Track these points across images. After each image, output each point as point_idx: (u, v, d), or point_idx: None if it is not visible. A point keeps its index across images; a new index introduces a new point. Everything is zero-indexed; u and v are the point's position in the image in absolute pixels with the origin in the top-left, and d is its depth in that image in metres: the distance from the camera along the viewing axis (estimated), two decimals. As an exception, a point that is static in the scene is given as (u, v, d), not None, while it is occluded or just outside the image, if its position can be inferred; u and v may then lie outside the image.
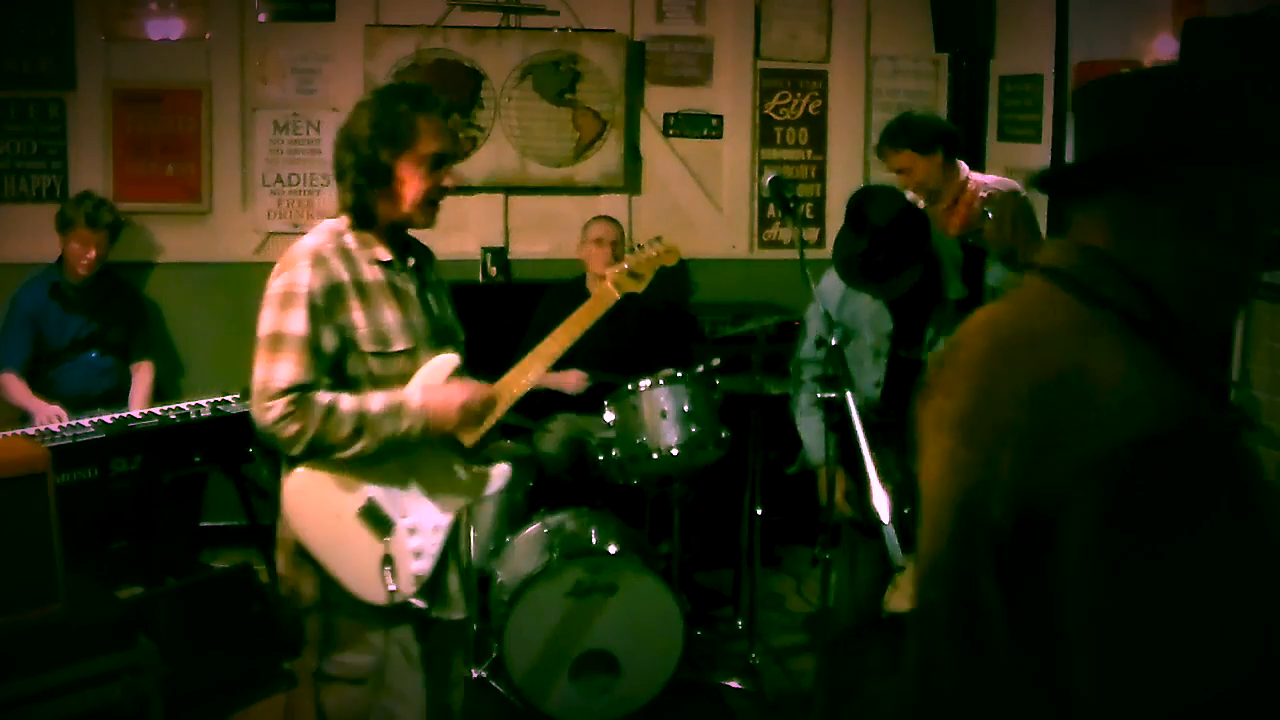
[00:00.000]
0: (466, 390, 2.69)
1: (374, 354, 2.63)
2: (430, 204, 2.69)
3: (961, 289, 3.20)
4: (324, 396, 2.56)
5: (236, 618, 4.17)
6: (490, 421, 2.77)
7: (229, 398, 4.69)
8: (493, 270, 5.69)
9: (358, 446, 2.58)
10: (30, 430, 4.23)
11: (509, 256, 5.75)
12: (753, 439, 4.34)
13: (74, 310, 4.83)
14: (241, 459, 4.56)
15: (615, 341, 4.72)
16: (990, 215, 4.12)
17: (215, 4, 5.43)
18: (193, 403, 4.59)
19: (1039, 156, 5.33)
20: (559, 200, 5.80)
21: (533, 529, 4.20)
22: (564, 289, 5.08)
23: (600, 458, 4.23)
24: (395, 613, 2.68)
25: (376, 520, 2.65)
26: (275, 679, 4.23)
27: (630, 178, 5.86)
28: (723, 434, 4.14)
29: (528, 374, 2.88)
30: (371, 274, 2.66)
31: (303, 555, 2.70)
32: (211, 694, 4.00)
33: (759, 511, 4.34)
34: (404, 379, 2.67)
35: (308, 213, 5.60)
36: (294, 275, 2.57)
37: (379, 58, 5.49)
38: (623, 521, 4.28)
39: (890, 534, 2.52)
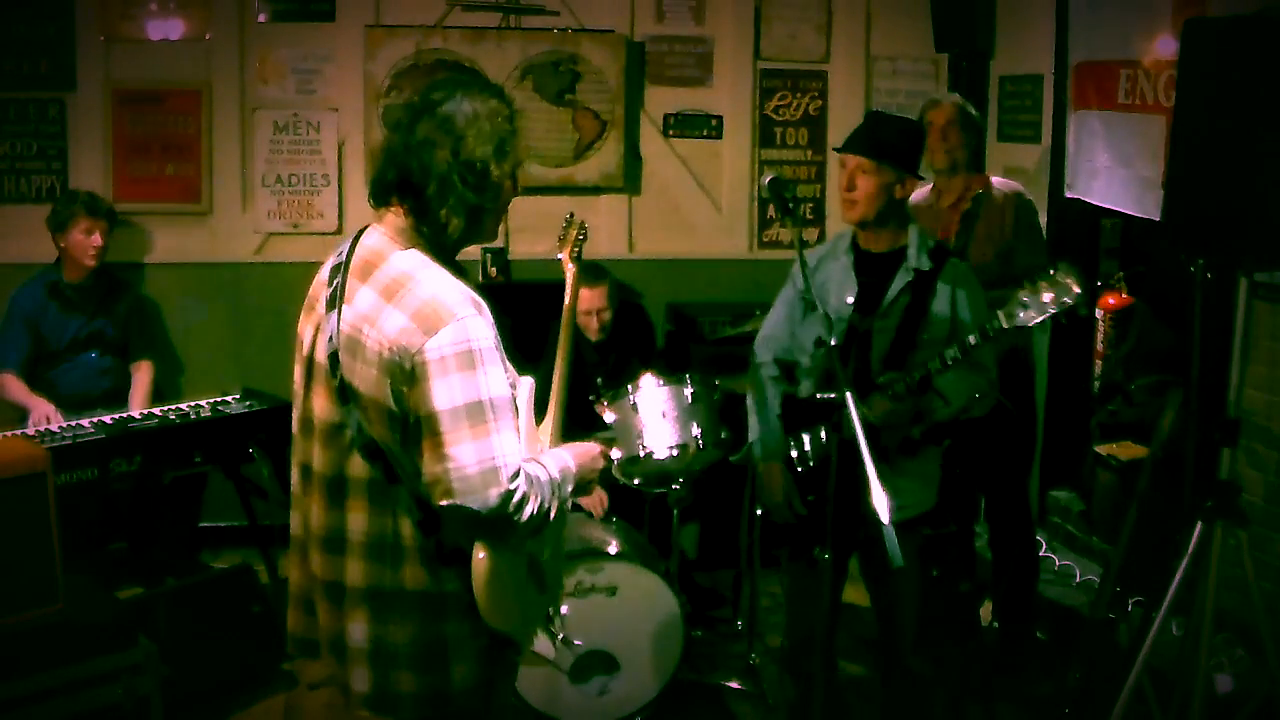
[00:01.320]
0: (601, 450, 2.48)
1: (513, 394, 2.26)
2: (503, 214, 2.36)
3: (928, 262, 3.24)
4: (530, 466, 2.20)
5: (236, 618, 4.18)
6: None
7: (229, 398, 4.70)
8: (492, 271, 5.69)
9: (550, 518, 2.23)
10: (30, 430, 4.23)
11: (509, 257, 5.75)
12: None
13: (73, 310, 4.83)
14: (241, 459, 4.57)
15: (588, 353, 4.72)
16: (979, 209, 4.12)
17: (215, 4, 5.43)
18: (193, 403, 4.60)
19: (1039, 157, 5.34)
20: (559, 200, 5.79)
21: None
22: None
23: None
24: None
25: (537, 574, 2.38)
26: (275, 679, 4.23)
27: (630, 178, 5.86)
28: (723, 434, 4.14)
29: (560, 395, 2.74)
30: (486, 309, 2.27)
31: (441, 651, 2.27)
32: (211, 694, 4.00)
33: (759, 511, 4.34)
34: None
35: (307, 213, 5.61)
36: (466, 330, 2.11)
37: (379, 58, 5.49)
38: (623, 522, 4.28)
39: (890, 534, 2.52)
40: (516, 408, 2.24)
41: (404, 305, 2.13)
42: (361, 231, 2.30)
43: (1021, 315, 2.90)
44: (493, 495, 2.09)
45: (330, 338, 2.21)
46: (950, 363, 3.02)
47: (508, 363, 2.27)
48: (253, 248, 5.60)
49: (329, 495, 2.26)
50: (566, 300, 2.95)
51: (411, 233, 2.24)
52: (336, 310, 2.21)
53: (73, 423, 4.28)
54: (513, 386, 2.25)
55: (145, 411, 4.52)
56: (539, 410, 2.56)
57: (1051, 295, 2.88)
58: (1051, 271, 2.90)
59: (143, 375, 4.99)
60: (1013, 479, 4.38)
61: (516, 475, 2.12)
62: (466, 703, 2.30)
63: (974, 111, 4.41)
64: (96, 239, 4.79)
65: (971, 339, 3.01)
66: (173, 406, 4.55)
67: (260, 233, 5.60)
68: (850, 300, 3.30)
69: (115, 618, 3.36)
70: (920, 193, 4.44)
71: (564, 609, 2.55)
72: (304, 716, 4.05)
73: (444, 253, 2.26)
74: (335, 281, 2.25)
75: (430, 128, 2.18)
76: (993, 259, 4.15)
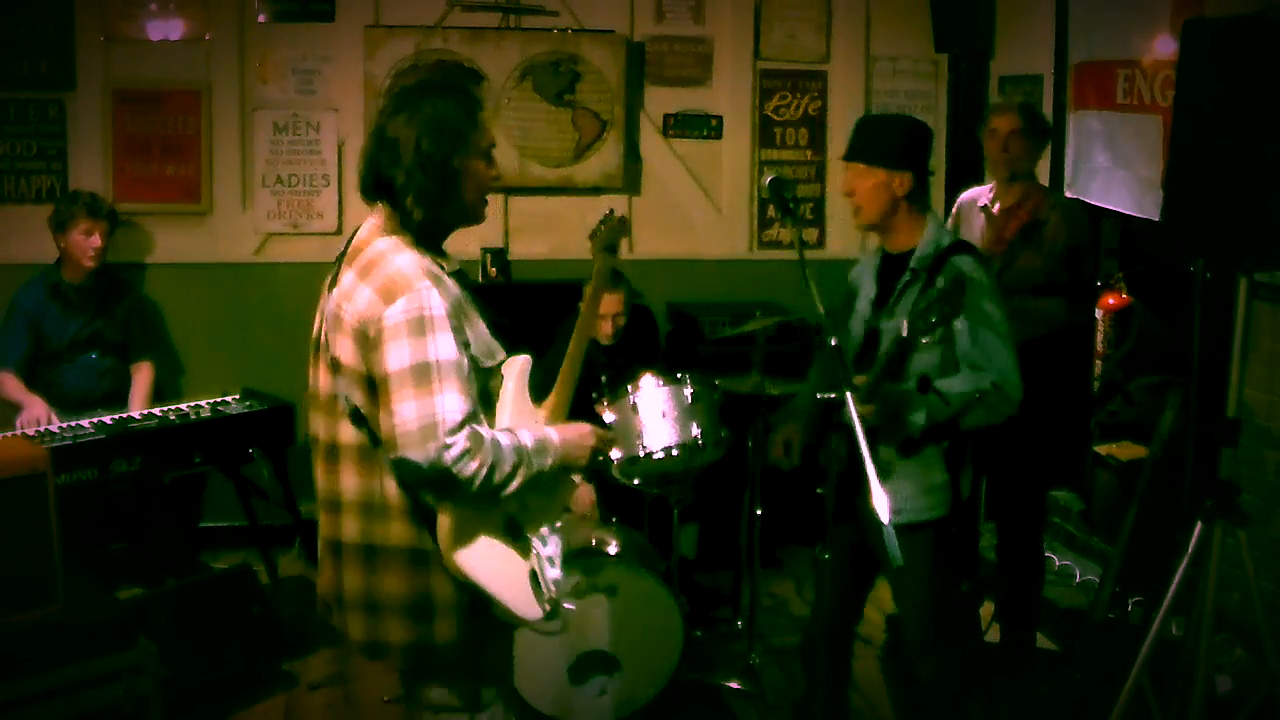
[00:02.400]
0: (594, 432, 2.62)
1: (488, 369, 2.47)
2: (487, 194, 2.54)
3: (930, 261, 3.23)
4: (485, 430, 2.34)
5: (236, 618, 4.17)
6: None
7: (229, 398, 4.70)
8: (492, 271, 5.69)
9: (515, 484, 2.37)
10: (30, 431, 4.23)
11: (509, 257, 5.75)
12: (753, 439, 4.34)
13: (74, 311, 4.83)
14: (241, 459, 4.57)
15: (596, 355, 4.72)
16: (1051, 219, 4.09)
17: (215, 4, 5.43)
18: (193, 403, 4.60)
19: (1039, 157, 5.33)
20: (559, 201, 5.80)
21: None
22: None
23: (600, 458, 4.22)
24: (547, 618, 2.55)
25: (518, 538, 2.49)
26: (275, 679, 4.23)
27: (630, 178, 5.86)
28: (722, 434, 4.14)
29: (570, 385, 2.79)
30: (455, 287, 2.47)
31: (427, 605, 2.43)
32: (211, 694, 4.00)
33: (759, 512, 4.34)
34: (497, 391, 2.53)
35: (307, 213, 5.61)
36: (420, 298, 2.30)
37: (379, 58, 5.49)
38: (623, 522, 4.29)
39: (890, 534, 2.52)
40: (475, 377, 2.39)
41: (372, 281, 2.35)
42: (360, 226, 2.55)
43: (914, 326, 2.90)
44: (431, 449, 2.24)
45: (323, 316, 2.47)
46: (886, 363, 2.99)
47: (495, 342, 2.51)
48: (253, 248, 5.60)
49: (327, 460, 2.48)
50: (591, 290, 2.94)
51: (391, 222, 2.45)
52: (328, 292, 2.46)
53: (73, 423, 4.28)
54: (486, 360, 2.45)
55: (145, 412, 4.52)
56: (541, 393, 2.71)
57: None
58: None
59: (143, 376, 4.99)
60: (1026, 483, 4.36)
61: (456, 430, 2.26)
62: (451, 656, 2.47)
63: (1043, 118, 4.34)
64: (96, 240, 4.79)
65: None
66: (173, 407, 4.55)
67: (260, 233, 5.60)
68: (869, 300, 3.33)
69: (115, 618, 3.36)
70: (980, 191, 4.43)
71: (555, 574, 2.57)
72: (304, 716, 4.06)
73: (426, 238, 2.46)
74: (334, 268, 2.49)
75: (396, 128, 2.39)
76: (1041, 265, 4.11)
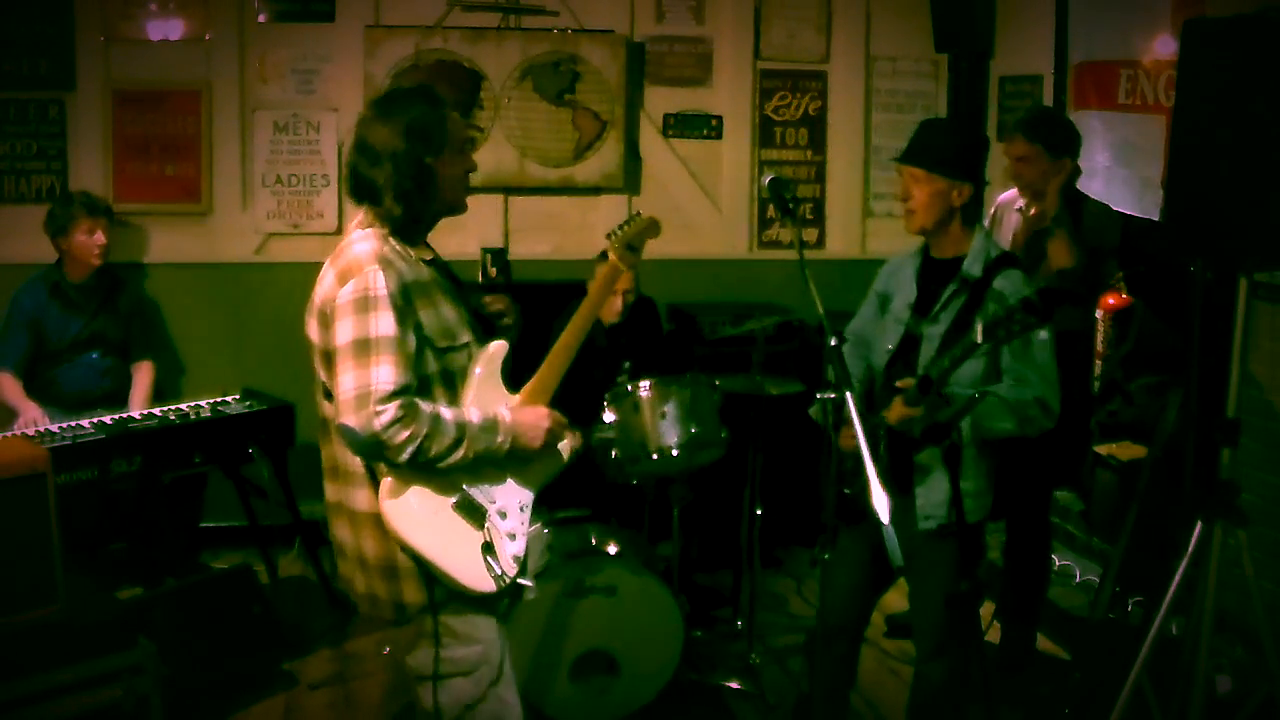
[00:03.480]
0: (552, 415, 2.77)
1: (444, 350, 2.66)
2: (466, 185, 2.76)
3: (980, 270, 3.22)
4: (426, 405, 2.54)
5: (236, 618, 4.18)
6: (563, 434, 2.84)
7: (229, 398, 4.70)
8: (492, 271, 5.69)
9: (455, 457, 2.57)
10: (30, 431, 4.23)
11: (509, 257, 5.75)
12: (753, 439, 4.34)
13: (74, 310, 4.83)
14: (241, 459, 4.57)
15: (598, 337, 4.75)
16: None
17: (215, 4, 5.43)
18: (193, 403, 4.60)
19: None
20: (559, 200, 5.80)
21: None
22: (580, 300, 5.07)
23: (600, 458, 4.23)
24: (498, 597, 2.71)
25: (471, 510, 2.66)
26: (275, 679, 4.23)
27: (630, 178, 5.86)
28: (722, 434, 4.14)
29: (555, 372, 2.86)
30: (424, 272, 2.68)
31: (394, 566, 2.66)
32: (211, 694, 4.00)
33: (759, 512, 4.34)
34: (464, 373, 2.71)
35: (307, 213, 5.61)
36: (366, 280, 2.52)
37: (379, 58, 5.49)
38: (622, 522, 4.29)
39: (890, 534, 2.52)
40: (432, 356, 2.61)
41: (335, 266, 2.61)
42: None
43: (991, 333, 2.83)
44: (363, 416, 2.45)
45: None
46: (950, 365, 2.98)
47: (462, 326, 2.71)
48: (253, 248, 5.60)
49: (321, 434, 2.76)
50: (597, 286, 2.98)
51: (370, 217, 2.69)
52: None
53: (73, 423, 4.28)
54: (442, 341, 2.64)
55: (145, 412, 4.52)
56: (523, 380, 2.85)
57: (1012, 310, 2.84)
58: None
59: (143, 376, 4.99)
60: (1035, 486, 4.36)
61: (387, 400, 2.45)
62: (419, 616, 2.69)
63: (1059, 123, 4.27)
64: (100, 237, 4.79)
65: (958, 350, 2.91)
66: (173, 407, 4.55)
67: (260, 233, 5.60)
68: (908, 304, 3.30)
69: (115, 618, 3.37)
70: (1012, 194, 4.42)
71: (516, 549, 2.71)
72: (304, 716, 4.06)
73: (406, 231, 2.69)
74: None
75: (373, 134, 2.65)
76: (1076, 265, 4.09)
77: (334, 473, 2.72)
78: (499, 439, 2.65)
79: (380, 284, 2.52)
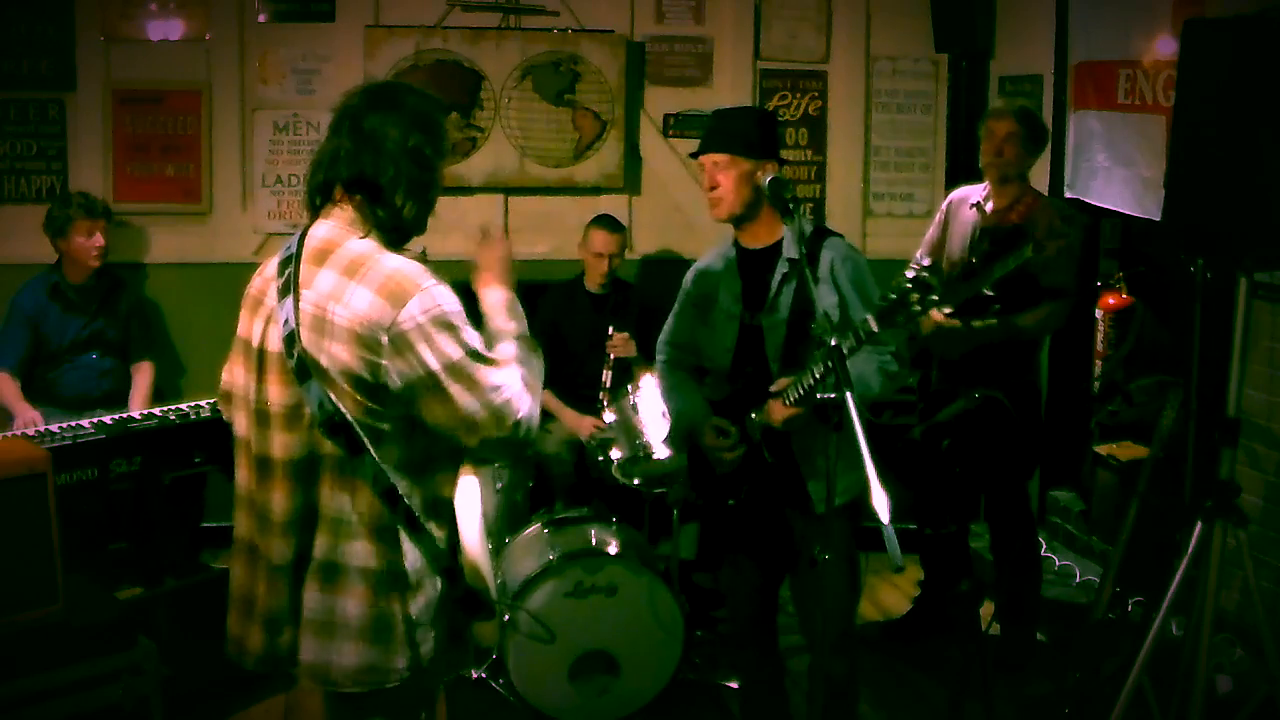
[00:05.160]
0: (503, 294, 2.63)
1: None
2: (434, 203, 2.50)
3: (801, 249, 3.11)
4: (508, 373, 2.37)
5: (236, 618, 4.17)
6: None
7: (229, 398, 4.69)
8: (492, 270, 5.67)
9: (535, 365, 2.46)
10: (30, 431, 4.23)
11: (509, 257, 5.74)
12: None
13: (74, 311, 4.83)
14: (241, 459, 4.56)
15: (580, 299, 4.80)
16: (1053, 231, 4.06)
17: (215, 4, 5.43)
18: (193, 403, 4.60)
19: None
20: (558, 200, 5.80)
21: (532, 529, 4.20)
22: (563, 289, 5.10)
23: (600, 458, 4.23)
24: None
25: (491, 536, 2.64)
26: (275, 679, 4.22)
27: (630, 178, 5.86)
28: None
29: None
30: None
31: (390, 624, 2.36)
32: (211, 694, 4.00)
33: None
34: None
35: (307, 214, 5.60)
36: (434, 295, 2.26)
37: (379, 58, 5.49)
38: (622, 522, 4.29)
39: (890, 534, 2.52)
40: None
41: (369, 281, 2.26)
42: (307, 228, 2.41)
43: (893, 318, 2.75)
44: (508, 426, 2.29)
45: (285, 321, 2.31)
46: (828, 366, 2.85)
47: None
48: (253, 248, 5.60)
49: (298, 477, 2.34)
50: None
51: (364, 223, 2.36)
52: (292, 295, 2.31)
53: (73, 423, 4.27)
54: None
55: (145, 412, 4.52)
56: None
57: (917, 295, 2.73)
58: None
59: (143, 376, 4.99)
60: (1012, 480, 4.38)
61: (513, 402, 2.29)
62: (405, 687, 2.41)
63: (1041, 124, 4.32)
64: (98, 239, 4.79)
65: (847, 343, 2.84)
66: (173, 407, 4.54)
67: (260, 233, 5.60)
68: (735, 299, 3.29)
69: (115, 618, 3.36)
70: (973, 190, 4.42)
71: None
72: (304, 716, 4.05)
73: (396, 240, 2.39)
74: (287, 271, 2.35)
75: (376, 123, 2.33)
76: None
77: (325, 521, 2.33)
78: (508, 320, 2.52)
79: (448, 298, 2.28)
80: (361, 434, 2.26)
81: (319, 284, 2.30)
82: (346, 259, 2.30)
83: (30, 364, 4.76)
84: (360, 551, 2.32)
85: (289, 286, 2.32)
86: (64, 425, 4.25)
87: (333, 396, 2.26)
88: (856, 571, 3.36)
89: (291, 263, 2.35)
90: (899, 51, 6.00)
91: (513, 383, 2.34)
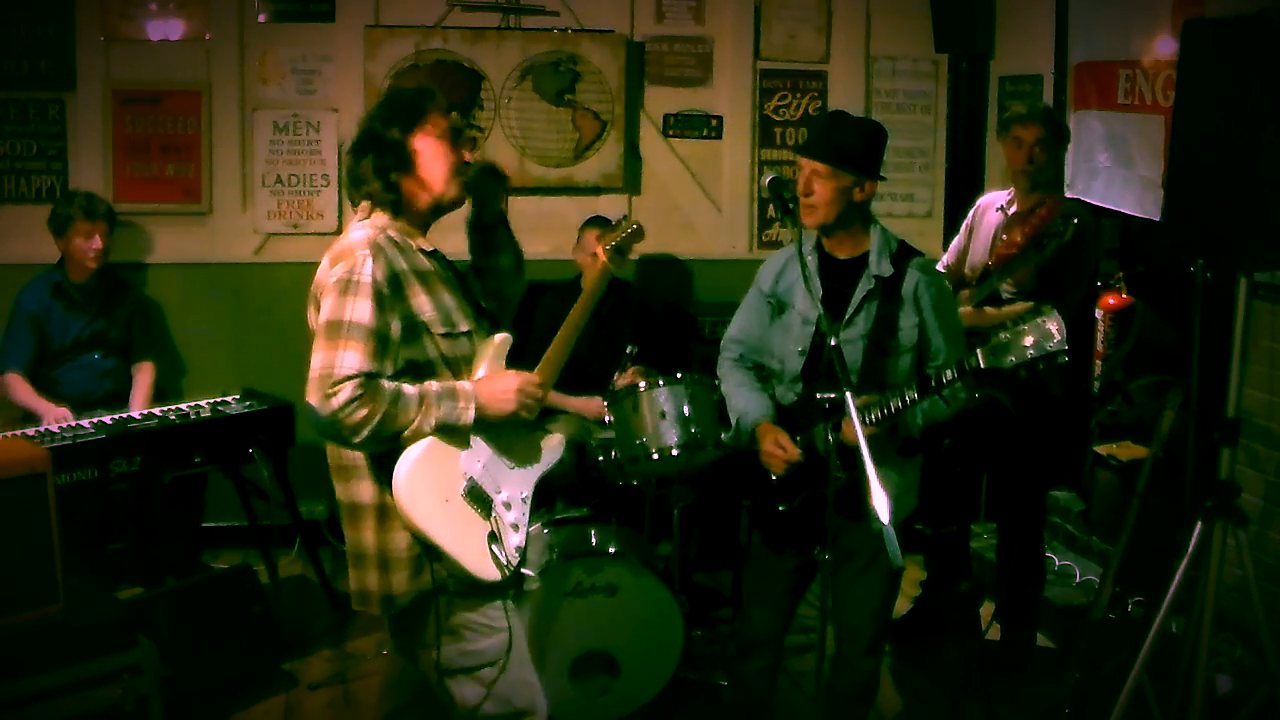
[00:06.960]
0: (518, 377, 2.75)
1: (444, 335, 2.67)
2: (458, 176, 2.75)
3: (889, 268, 3.17)
4: (389, 383, 2.55)
5: (236, 618, 4.18)
6: (542, 402, 2.84)
7: (229, 398, 4.70)
8: (492, 270, 5.68)
9: (415, 425, 2.56)
10: (30, 431, 4.23)
11: (509, 257, 5.74)
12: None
13: (77, 311, 4.83)
14: (241, 459, 4.57)
15: (613, 341, 4.74)
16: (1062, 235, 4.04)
17: (215, 4, 5.43)
18: (193, 403, 4.60)
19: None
20: (559, 200, 5.80)
21: (533, 529, 4.19)
22: (562, 289, 5.10)
23: (600, 458, 4.23)
24: (506, 587, 2.73)
25: (479, 499, 2.69)
26: (275, 679, 4.23)
27: (630, 178, 5.86)
28: (722, 435, 4.14)
29: (554, 365, 2.91)
30: (423, 262, 2.71)
31: (388, 558, 2.68)
32: (211, 694, 4.00)
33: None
34: (469, 360, 2.73)
35: (307, 213, 5.61)
36: (354, 263, 2.56)
37: (379, 58, 5.49)
38: (622, 522, 4.29)
39: (890, 535, 2.52)
40: (429, 341, 2.65)
41: (331, 253, 2.66)
42: None
43: (1002, 358, 2.81)
44: (320, 397, 2.47)
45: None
46: (920, 395, 2.96)
47: (462, 313, 2.73)
48: (253, 248, 5.60)
49: None
50: (591, 287, 3.09)
51: (370, 208, 2.75)
52: None
53: (73, 423, 4.28)
54: (438, 327, 2.66)
55: (145, 412, 4.52)
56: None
57: (1033, 339, 2.79)
58: (1038, 315, 2.80)
59: (144, 376, 4.98)
60: (1024, 482, 4.36)
61: (343, 381, 2.46)
62: (408, 607, 2.71)
63: (1062, 122, 4.28)
64: (97, 242, 4.78)
65: (947, 374, 2.91)
66: (173, 407, 4.55)
67: (260, 233, 5.60)
68: (817, 305, 3.21)
69: (115, 618, 3.36)
70: (999, 195, 4.40)
71: (518, 540, 2.76)
72: (304, 716, 4.06)
73: (404, 213, 2.73)
74: None
75: (362, 134, 2.74)
76: (1030, 280, 4.09)
77: (339, 470, 2.72)
78: (460, 404, 2.63)
79: (367, 270, 2.54)
80: None
81: (322, 263, 2.70)
82: (340, 239, 2.71)
83: (36, 363, 4.75)
84: (365, 490, 2.68)
85: None
86: (64, 425, 4.26)
87: None
88: (898, 579, 3.36)
89: None
90: (899, 51, 6.00)
91: (337, 369, 2.48)
